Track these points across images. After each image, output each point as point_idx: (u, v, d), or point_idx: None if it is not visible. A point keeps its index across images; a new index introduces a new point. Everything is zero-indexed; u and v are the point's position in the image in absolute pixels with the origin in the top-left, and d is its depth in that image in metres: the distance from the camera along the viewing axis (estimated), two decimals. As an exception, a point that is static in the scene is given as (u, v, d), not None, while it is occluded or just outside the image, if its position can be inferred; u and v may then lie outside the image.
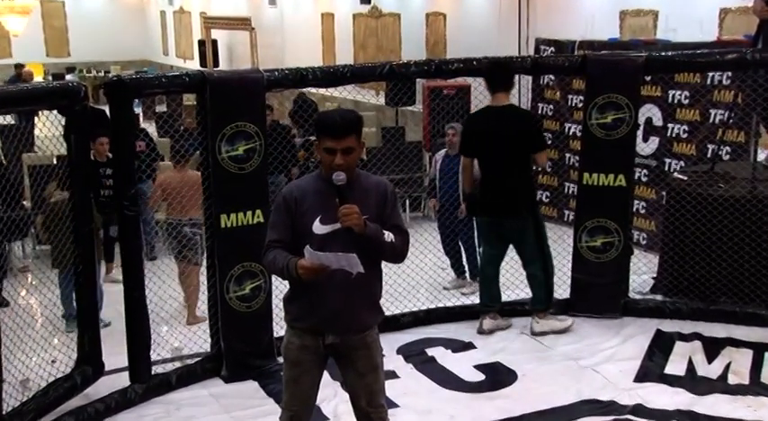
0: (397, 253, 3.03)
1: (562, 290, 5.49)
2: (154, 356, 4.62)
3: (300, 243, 2.95)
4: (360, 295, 3.02)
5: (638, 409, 4.22)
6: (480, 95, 5.96)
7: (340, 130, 2.89)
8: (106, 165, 6.97)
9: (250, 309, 4.68)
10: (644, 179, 7.22)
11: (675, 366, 4.69)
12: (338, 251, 2.85)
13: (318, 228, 2.97)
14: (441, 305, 5.68)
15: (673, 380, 4.53)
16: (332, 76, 4.89)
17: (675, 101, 6.99)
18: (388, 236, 2.95)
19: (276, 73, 4.69)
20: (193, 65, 19.33)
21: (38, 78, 17.03)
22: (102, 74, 19.72)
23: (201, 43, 19.19)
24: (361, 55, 14.34)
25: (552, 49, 8.26)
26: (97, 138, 7.06)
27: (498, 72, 5.06)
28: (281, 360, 3.25)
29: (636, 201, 6.87)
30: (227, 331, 4.67)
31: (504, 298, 5.60)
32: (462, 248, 6.48)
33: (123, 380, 4.50)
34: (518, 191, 5.02)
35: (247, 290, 4.64)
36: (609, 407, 4.27)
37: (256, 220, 4.59)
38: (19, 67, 15.80)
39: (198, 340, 5.04)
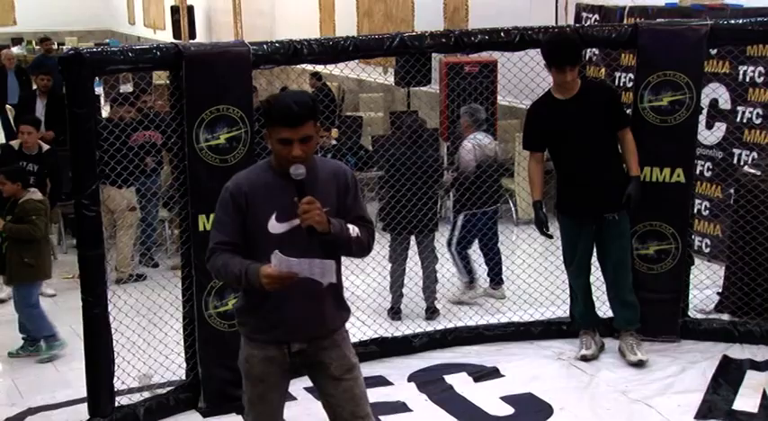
0: (364, 247, 3.21)
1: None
2: (118, 385, 4.65)
3: (252, 245, 3.10)
4: (327, 298, 3.19)
5: (699, 452, 4.24)
6: (509, 73, 5.98)
7: (296, 118, 3.02)
8: (33, 160, 7.02)
9: (234, 328, 4.70)
10: (707, 174, 7.21)
11: (746, 401, 4.68)
12: (299, 253, 2.98)
13: (274, 226, 3.10)
14: (461, 324, 5.71)
15: (743, 419, 4.53)
16: (331, 49, 4.92)
17: (747, 79, 6.99)
18: (353, 230, 3.12)
19: (265, 46, 4.73)
20: (165, 36, 19.40)
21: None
22: (55, 46, 19.78)
23: (175, 10, 19.24)
24: (366, 24, 14.35)
25: (596, 16, 8.27)
26: (21, 126, 7.15)
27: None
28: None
29: (697, 201, 6.88)
30: (205, 355, 4.71)
31: (538, 315, 5.63)
32: (481, 252, 6.54)
33: (81, 413, 4.53)
34: None
35: (230, 305, 4.67)
36: (664, 448, 4.29)
37: (241, 223, 4.61)
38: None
39: (171, 365, 5.07)
